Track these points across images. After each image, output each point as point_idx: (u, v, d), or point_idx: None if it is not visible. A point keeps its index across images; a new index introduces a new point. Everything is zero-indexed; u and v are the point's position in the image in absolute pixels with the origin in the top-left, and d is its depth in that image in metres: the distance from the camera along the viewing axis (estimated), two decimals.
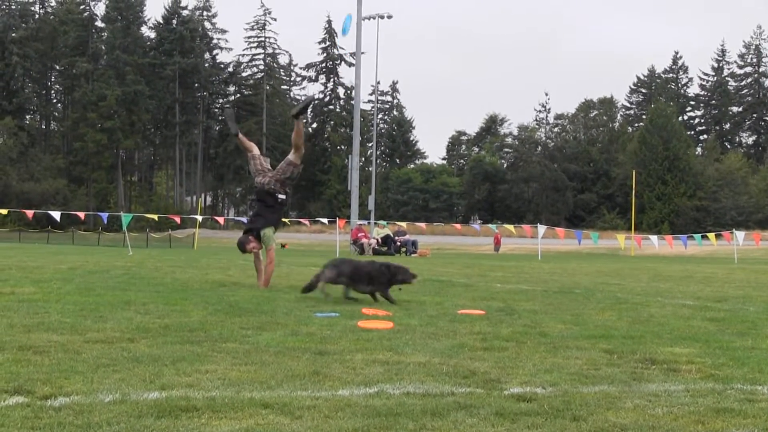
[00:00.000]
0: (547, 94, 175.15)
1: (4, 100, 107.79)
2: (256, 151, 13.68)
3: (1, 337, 6.69)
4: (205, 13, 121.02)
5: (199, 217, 52.58)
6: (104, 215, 49.98)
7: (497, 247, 61.15)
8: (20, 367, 5.37)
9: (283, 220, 62.56)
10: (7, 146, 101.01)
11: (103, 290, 11.69)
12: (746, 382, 5.44)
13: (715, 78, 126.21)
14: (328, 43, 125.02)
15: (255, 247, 12.97)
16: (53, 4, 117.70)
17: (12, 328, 7.33)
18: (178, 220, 58.45)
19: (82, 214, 57.97)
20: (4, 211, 42.36)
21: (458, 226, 65.30)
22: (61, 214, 48.65)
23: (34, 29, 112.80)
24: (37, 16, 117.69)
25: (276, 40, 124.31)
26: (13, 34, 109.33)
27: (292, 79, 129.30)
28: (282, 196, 13.33)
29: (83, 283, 13.14)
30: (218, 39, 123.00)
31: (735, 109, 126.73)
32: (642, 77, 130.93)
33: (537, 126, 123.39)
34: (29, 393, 4.64)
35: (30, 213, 49.46)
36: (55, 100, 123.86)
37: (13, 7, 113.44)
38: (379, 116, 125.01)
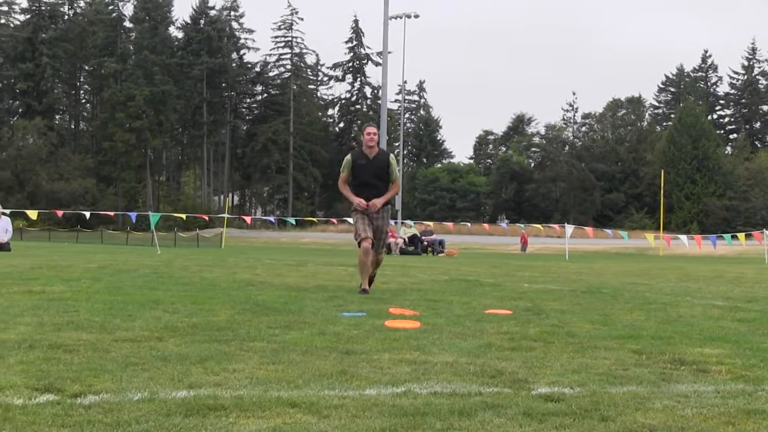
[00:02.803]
0: (574, 94, 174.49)
1: (34, 100, 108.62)
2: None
3: (31, 336, 6.74)
4: (232, 13, 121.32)
5: (227, 216, 52.77)
6: (133, 215, 50.30)
7: (524, 247, 60.99)
8: (50, 366, 5.41)
9: (311, 219, 62.69)
10: (37, 146, 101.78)
11: (131, 289, 11.76)
12: None
13: (746, 76, 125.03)
14: (354, 42, 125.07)
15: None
16: (82, 4, 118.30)
17: (42, 326, 7.39)
18: (206, 218, 58.74)
19: (111, 214, 58.33)
20: (34, 214, 42.61)
21: (486, 225, 65.19)
22: (91, 213, 49.04)
23: (64, 30, 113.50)
24: (66, 16, 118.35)
25: (303, 40, 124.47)
26: (43, 35, 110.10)
27: (319, 78, 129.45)
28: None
29: (112, 282, 13.22)
30: (245, 39, 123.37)
31: (765, 107, 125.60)
32: (671, 76, 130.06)
33: (564, 125, 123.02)
34: (59, 391, 4.67)
35: (61, 213, 49.82)
36: (84, 100, 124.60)
37: (42, 8, 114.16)
38: (406, 116, 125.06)
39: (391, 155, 12.49)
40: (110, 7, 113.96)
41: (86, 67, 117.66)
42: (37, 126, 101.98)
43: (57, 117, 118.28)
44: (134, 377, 5.10)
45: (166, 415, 4.20)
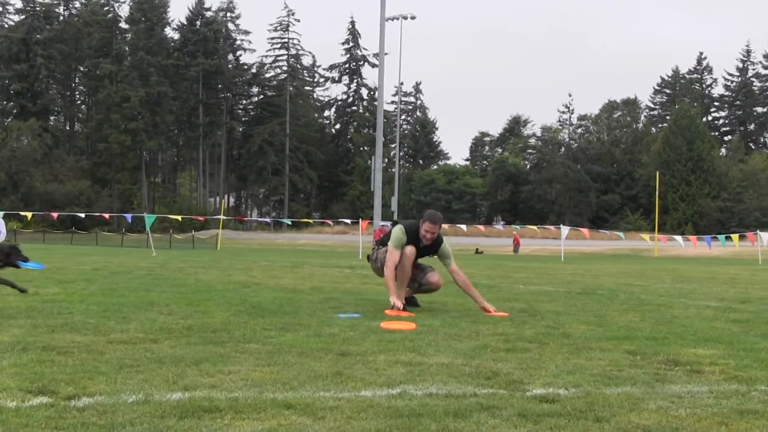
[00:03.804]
0: (570, 95, 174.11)
1: (29, 101, 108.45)
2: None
3: (25, 338, 6.73)
4: (228, 14, 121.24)
5: (222, 218, 52.73)
6: (128, 216, 50.26)
7: (516, 248, 60.98)
8: (44, 368, 5.40)
9: (307, 220, 62.38)
10: (32, 147, 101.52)
11: (126, 291, 11.75)
12: None
13: (740, 78, 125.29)
14: (351, 44, 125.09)
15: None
16: (77, 5, 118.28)
17: (36, 328, 7.38)
18: (203, 219, 58.60)
19: (106, 215, 58.28)
20: (28, 216, 42.54)
21: (482, 227, 65.25)
22: (86, 215, 48.98)
23: (59, 30, 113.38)
24: (61, 17, 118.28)
25: (299, 41, 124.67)
26: (38, 36, 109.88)
27: (316, 80, 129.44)
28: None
29: (107, 284, 13.21)
30: (242, 40, 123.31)
31: (760, 109, 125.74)
32: (666, 78, 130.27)
33: (560, 127, 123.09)
34: (53, 393, 4.66)
35: (56, 216, 49.78)
36: (79, 102, 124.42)
37: (37, 8, 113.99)
38: (403, 117, 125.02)
39: (444, 242, 10.50)
40: (106, 8, 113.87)
41: (81, 68, 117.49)
42: (31, 127, 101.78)
43: (52, 118, 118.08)
44: (129, 379, 5.10)
45: (160, 417, 4.20)
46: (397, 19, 70.18)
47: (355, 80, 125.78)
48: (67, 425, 4.00)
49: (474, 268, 25.23)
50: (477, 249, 59.68)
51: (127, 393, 4.69)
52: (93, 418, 4.13)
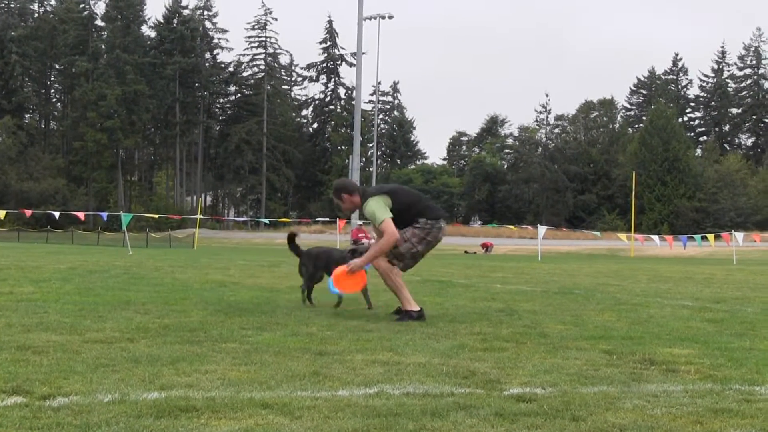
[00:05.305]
0: (547, 95, 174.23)
1: (3, 99, 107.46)
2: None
3: None
4: (205, 12, 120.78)
5: (200, 217, 52.57)
6: (104, 215, 50.04)
7: (489, 249, 60.92)
8: (19, 367, 5.36)
9: (284, 219, 62.18)
10: (6, 145, 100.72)
11: (102, 290, 11.70)
12: (744, 382, 5.44)
13: (715, 80, 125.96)
14: (329, 43, 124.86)
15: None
16: (53, 2, 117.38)
17: (11, 327, 7.34)
18: (178, 217, 58.40)
19: (81, 214, 57.94)
20: (2, 215, 41.98)
21: (459, 226, 65.31)
22: (61, 213, 48.66)
23: (34, 28, 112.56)
24: (36, 14, 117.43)
25: (277, 40, 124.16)
26: (12, 33, 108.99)
27: (293, 79, 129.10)
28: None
29: (82, 283, 13.14)
30: (219, 39, 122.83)
31: (734, 110, 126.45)
32: (642, 78, 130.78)
33: (537, 127, 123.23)
34: (28, 393, 4.63)
35: (29, 213, 49.47)
36: (54, 99, 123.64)
37: (12, 5, 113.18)
38: (380, 116, 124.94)
39: (367, 204, 10.02)
40: (81, 5, 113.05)
41: (57, 66, 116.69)
42: (6, 125, 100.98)
43: (27, 116, 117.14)
44: (104, 379, 5.07)
45: (136, 416, 4.18)
46: (375, 18, 70.20)
47: (333, 79, 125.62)
48: (42, 425, 3.98)
49: (452, 267, 25.26)
50: (466, 251, 59.54)
51: (103, 393, 4.67)
52: (68, 418, 4.11)
